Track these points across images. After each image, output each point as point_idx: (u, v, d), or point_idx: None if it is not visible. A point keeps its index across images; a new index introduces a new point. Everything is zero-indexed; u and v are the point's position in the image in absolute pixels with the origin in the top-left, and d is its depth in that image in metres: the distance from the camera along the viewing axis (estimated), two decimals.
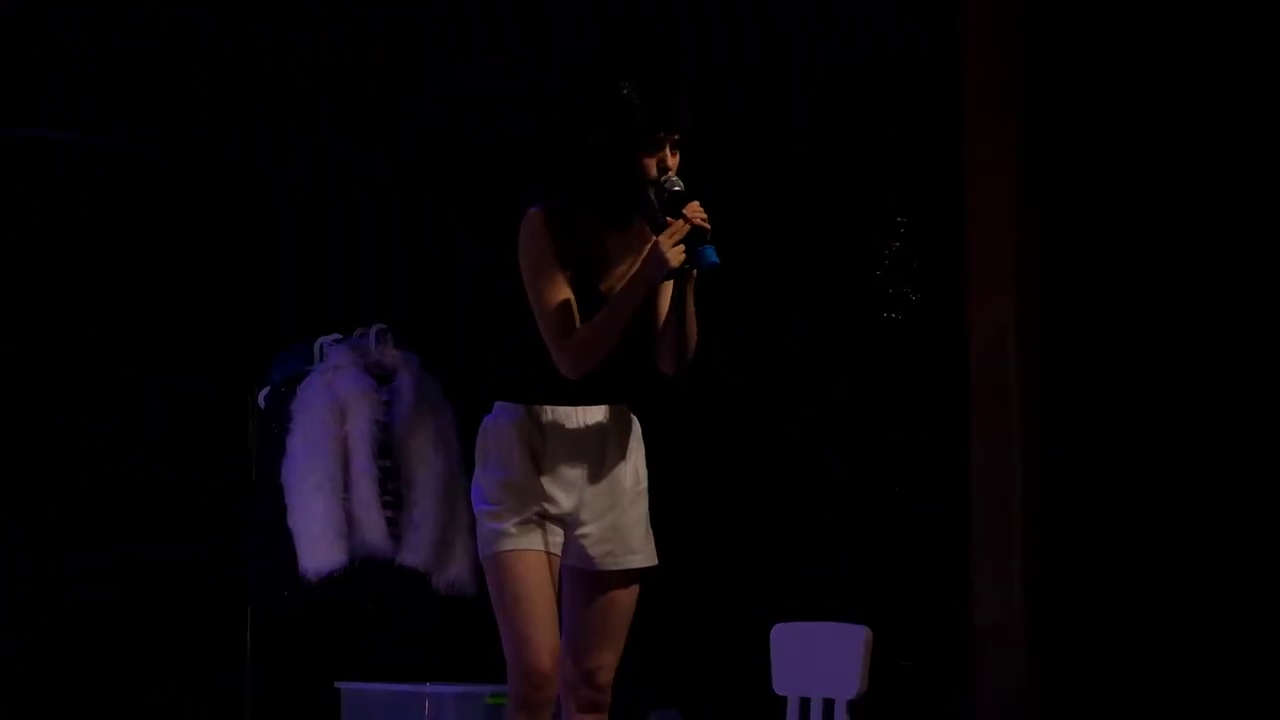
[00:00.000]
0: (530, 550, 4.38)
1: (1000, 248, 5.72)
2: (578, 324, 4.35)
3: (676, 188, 4.30)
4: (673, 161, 4.34)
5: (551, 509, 4.42)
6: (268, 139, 7.64)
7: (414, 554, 7.02)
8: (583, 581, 4.49)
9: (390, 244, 7.75)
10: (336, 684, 7.09)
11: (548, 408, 4.43)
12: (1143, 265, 5.77)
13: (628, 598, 4.51)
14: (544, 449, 4.42)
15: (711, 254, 4.23)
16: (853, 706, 5.60)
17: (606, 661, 4.49)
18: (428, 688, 6.80)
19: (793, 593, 6.38)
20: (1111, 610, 5.68)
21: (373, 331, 7.24)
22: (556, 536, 4.43)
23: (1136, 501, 5.74)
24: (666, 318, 4.41)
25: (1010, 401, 5.66)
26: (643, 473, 4.55)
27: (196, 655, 7.45)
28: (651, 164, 4.32)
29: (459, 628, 7.19)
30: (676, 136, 4.35)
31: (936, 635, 6.08)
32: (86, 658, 7.25)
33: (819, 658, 5.71)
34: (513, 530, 4.38)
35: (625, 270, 4.38)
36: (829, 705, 5.62)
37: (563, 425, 4.43)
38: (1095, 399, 5.73)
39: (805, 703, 5.71)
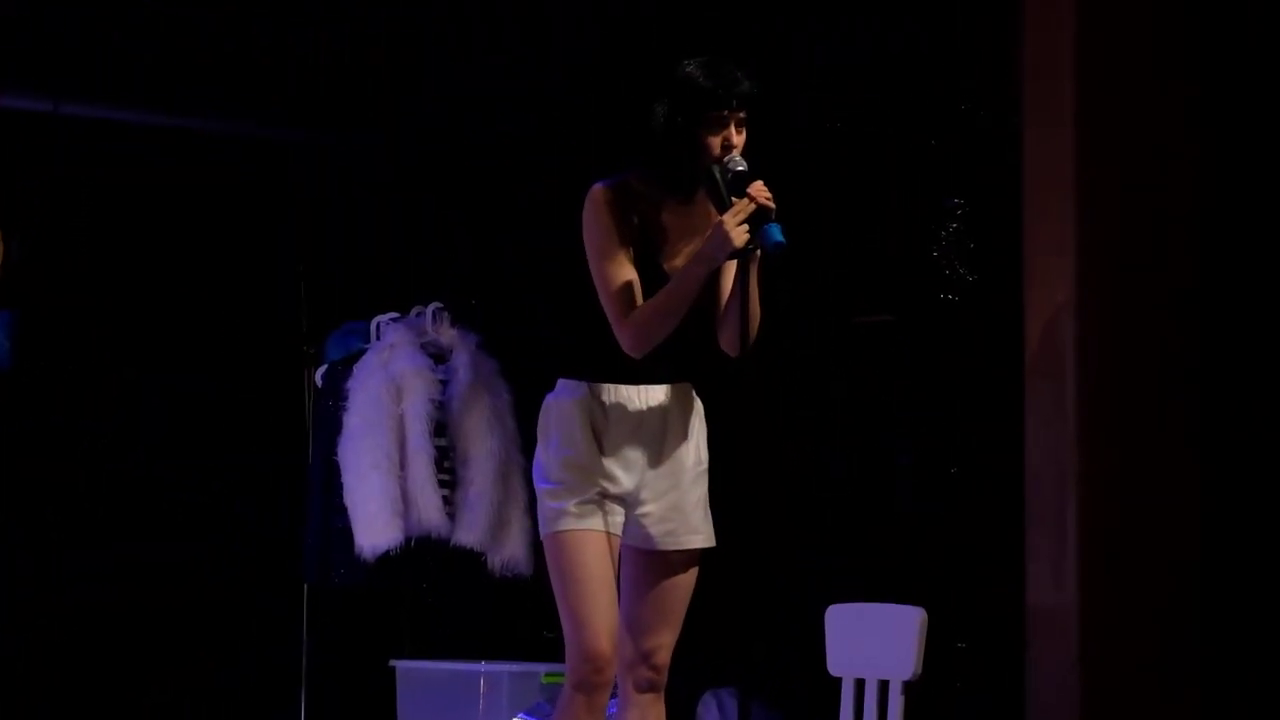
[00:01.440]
0: (590, 531, 4.39)
1: (1058, 228, 5.69)
2: (640, 302, 4.35)
3: (740, 167, 4.29)
4: (738, 140, 4.34)
5: (612, 488, 4.42)
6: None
7: (469, 533, 7.03)
8: (642, 561, 4.49)
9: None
10: (392, 662, 7.11)
11: (611, 386, 4.43)
12: (1205, 243, 5.74)
13: (687, 578, 4.51)
14: (606, 427, 4.42)
15: (776, 233, 4.22)
16: (908, 688, 5.59)
17: (665, 641, 4.49)
18: (483, 666, 6.81)
19: (847, 574, 6.37)
20: (1165, 591, 5.66)
21: (429, 310, 7.25)
22: (617, 516, 4.43)
23: (1193, 483, 5.72)
24: (729, 298, 4.41)
25: (1066, 382, 5.64)
26: (704, 453, 4.55)
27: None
28: (716, 142, 4.31)
29: (514, 607, 7.21)
30: (741, 115, 4.35)
31: (991, 617, 6.07)
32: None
33: (874, 639, 5.70)
34: (573, 510, 4.39)
35: (690, 249, 4.37)
36: (884, 686, 5.60)
37: (625, 404, 4.43)
38: (1152, 379, 5.70)
39: (860, 684, 5.70)
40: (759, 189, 4.25)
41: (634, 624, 4.48)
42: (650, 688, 4.50)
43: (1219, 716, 5.65)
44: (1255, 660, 5.66)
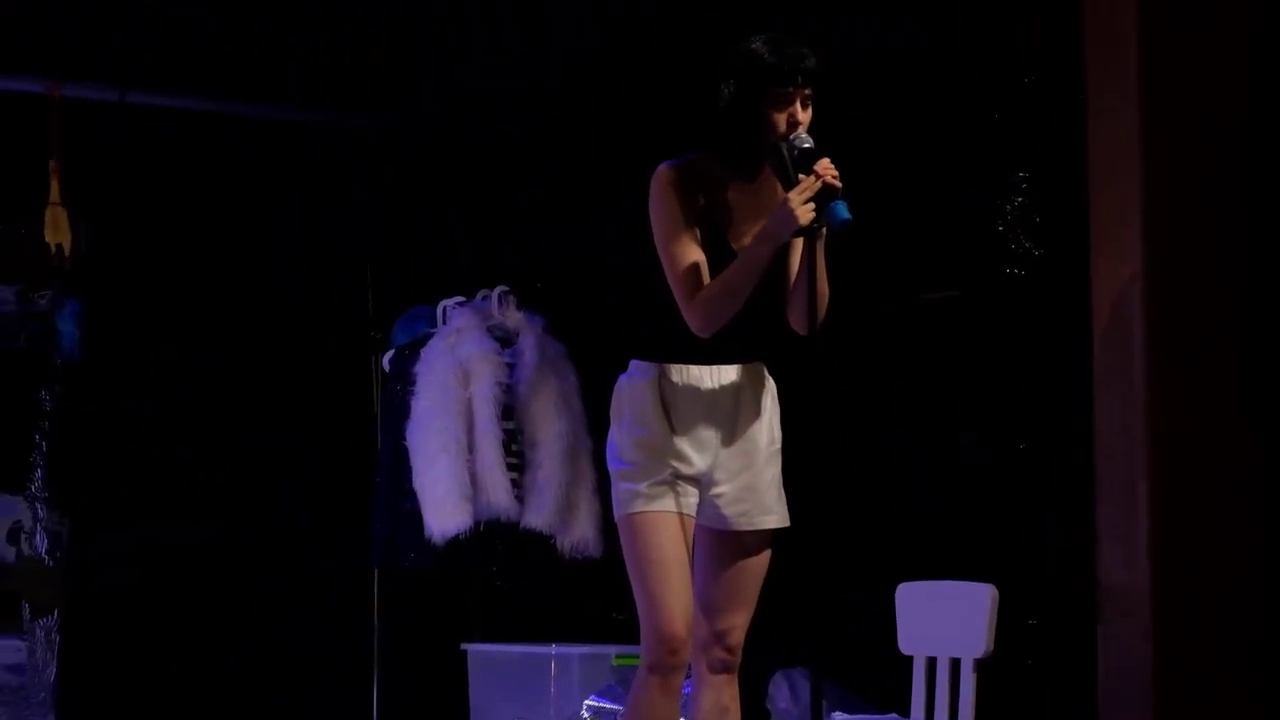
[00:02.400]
0: (664, 512, 4.38)
1: (1124, 201, 5.66)
2: (708, 282, 4.34)
3: (806, 144, 4.28)
4: (803, 117, 4.33)
5: (685, 469, 4.41)
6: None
7: (538, 515, 7.04)
8: (717, 542, 4.49)
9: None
10: (463, 645, 7.14)
11: (682, 366, 4.43)
12: (1273, 213, 5.70)
13: (761, 558, 4.51)
14: (678, 408, 4.42)
15: (843, 210, 4.20)
16: (979, 665, 5.58)
17: (739, 622, 4.49)
18: (553, 649, 6.83)
19: (918, 551, 6.36)
20: (1238, 566, 5.63)
21: (495, 294, 7.26)
22: (690, 497, 4.43)
23: (1265, 455, 5.68)
24: (797, 276, 4.40)
25: (1135, 356, 5.60)
26: (777, 432, 4.54)
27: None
28: (781, 119, 4.31)
29: (584, 589, 7.22)
30: (807, 92, 4.34)
31: (1062, 593, 6.05)
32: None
33: (945, 617, 5.69)
34: (646, 491, 4.39)
35: (756, 227, 4.36)
36: (955, 664, 5.60)
37: (697, 384, 4.43)
38: (1221, 350, 5.67)
39: (931, 662, 5.70)
40: (825, 166, 4.24)
41: (708, 605, 4.48)
42: (724, 668, 4.50)
43: None
44: None
